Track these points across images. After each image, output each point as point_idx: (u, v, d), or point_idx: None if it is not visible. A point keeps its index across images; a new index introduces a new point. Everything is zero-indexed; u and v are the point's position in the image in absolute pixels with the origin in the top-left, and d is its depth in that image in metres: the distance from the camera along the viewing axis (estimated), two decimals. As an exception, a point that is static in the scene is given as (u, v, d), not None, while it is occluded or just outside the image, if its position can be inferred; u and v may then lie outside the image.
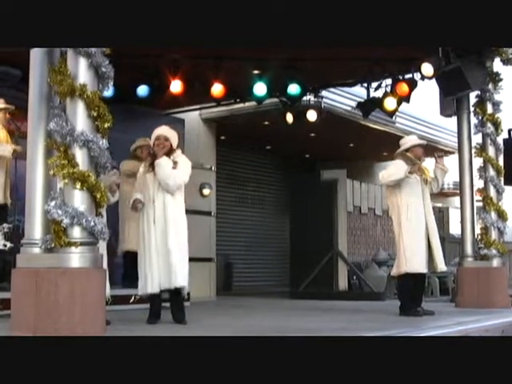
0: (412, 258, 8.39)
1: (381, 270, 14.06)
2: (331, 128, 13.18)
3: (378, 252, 15.04)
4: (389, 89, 10.54)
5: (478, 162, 10.17)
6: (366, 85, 11.01)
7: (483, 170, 10.06)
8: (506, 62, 9.79)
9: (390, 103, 10.58)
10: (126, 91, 10.16)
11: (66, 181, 4.94)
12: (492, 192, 9.99)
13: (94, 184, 4.97)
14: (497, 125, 10.08)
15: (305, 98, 11.54)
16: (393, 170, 8.58)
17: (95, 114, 5.03)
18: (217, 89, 10.55)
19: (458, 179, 10.50)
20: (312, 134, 14.41)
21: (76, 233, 4.92)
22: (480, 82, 9.55)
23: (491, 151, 10.06)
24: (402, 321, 7.85)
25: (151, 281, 7.15)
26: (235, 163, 16.66)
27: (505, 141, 10.19)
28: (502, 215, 9.97)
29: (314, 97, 11.91)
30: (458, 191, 10.69)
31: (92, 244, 4.99)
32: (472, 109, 10.20)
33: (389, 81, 10.55)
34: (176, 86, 10.33)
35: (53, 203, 4.93)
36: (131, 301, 8.96)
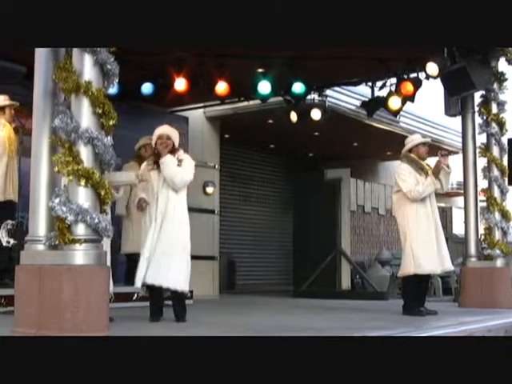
0: (421, 259, 8.37)
1: (384, 270, 14.08)
2: (335, 127, 13.16)
3: (381, 251, 15.07)
4: (393, 88, 10.54)
5: (482, 162, 10.16)
6: (370, 84, 11.01)
7: (487, 170, 10.04)
8: (511, 61, 9.77)
9: (394, 102, 10.57)
10: (131, 89, 10.16)
11: (71, 178, 4.93)
12: (496, 192, 9.98)
13: (98, 181, 4.96)
14: (501, 125, 10.07)
15: (309, 97, 11.54)
16: (410, 182, 8.46)
17: (100, 111, 5.02)
18: (221, 87, 10.55)
19: (461, 179, 10.49)
20: (316, 133, 14.40)
21: (80, 230, 4.91)
22: (485, 81, 9.53)
23: (496, 151, 10.05)
24: (405, 320, 7.84)
25: (139, 275, 7.15)
26: (239, 161, 16.66)
27: (509, 141, 10.18)
28: (505, 215, 9.96)
29: (319, 95, 11.91)
30: (461, 191, 10.69)
31: (96, 241, 4.98)
32: (477, 108, 10.19)
33: (393, 80, 10.54)
34: (180, 84, 10.33)
35: (57, 200, 4.93)
36: (134, 298, 8.97)
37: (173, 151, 7.39)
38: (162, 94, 10.70)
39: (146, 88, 10.63)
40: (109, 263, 7.17)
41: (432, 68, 9.56)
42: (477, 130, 10.22)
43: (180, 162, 7.35)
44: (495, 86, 10.04)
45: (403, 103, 10.57)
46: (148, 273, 7.13)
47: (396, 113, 11.00)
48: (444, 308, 9.36)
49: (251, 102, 12.26)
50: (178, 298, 7.41)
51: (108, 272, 5.06)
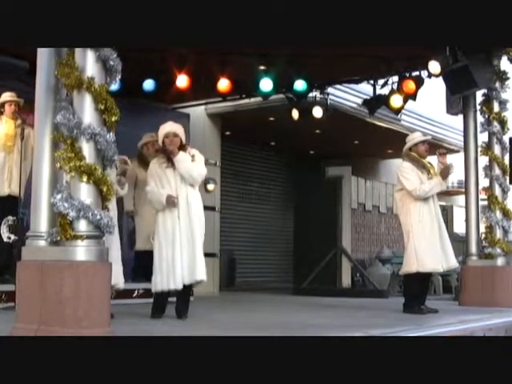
0: (424, 257, 8.37)
1: (384, 268, 14.07)
2: (336, 125, 13.16)
3: (381, 249, 15.05)
4: (395, 86, 10.52)
5: (483, 160, 10.16)
6: (372, 82, 11.01)
7: (489, 168, 10.05)
8: (513, 60, 9.79)
9: (396, 101, 10.56)
10: (132, 85, 10.15)
11: (73, 174, 4.92)
12: (497, 191, 9.99)
13: (100, 177, 4.95)
14: (503, 123, 10.07)
15: (311, 95, 11.53)
16: (415, 181, 8.46)
17: (102, 108, 5.01)
18: (223, 84, 10.55)
19: (462, 178, 10.49)
20: (317, 131, 14.40)
21: (82, 226, 4.91)
22: (487, 80, 9.54)
23: (497, 150, 10.06)
24: (406, 318, 7.84)
25: (173, 277, 7.14)
26: (240, 159, 16.64)
27: (511, 139, 10.17)
28: (507, 214, 9.96)
29: (320, 93, 11.89)
30: (462, 190, 10.69)
31: (98, 237, 4.97)
32: (478, 107, 10.19)
33: (395, 78, 10.52)
34: (182, 81, 10.33)
35: (59, 196, 4.92)
36: (135, 295, 8.97)
37: (182, 147, 7.40)
38: (163, 90, 10.69)
39: (148, 84, 10.62)
40: (119, 256, 7.24)
41: (434, 66, 9.54)
42: (478, 129, 10.22)
43: (193, 156, 7.39)
44: (497, 84, 10.05)
45: (405, 101, 10.55)
46: (185, 273, 7.14)
47: (398, 111, 10.99)
48: (444, 306, 9.36)
49: (252, 100, 12.25)
50: (186, 293, 7.42)
51: (110, 268, 5.05)
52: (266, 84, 10.62)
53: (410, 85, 10.24)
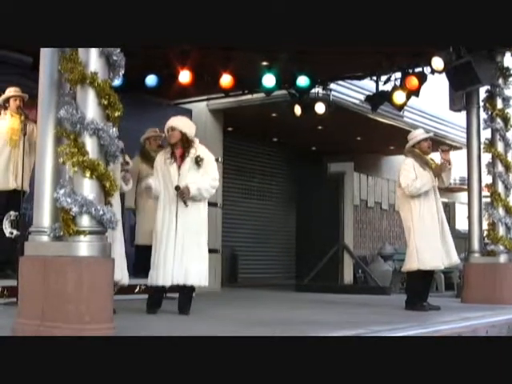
0: (425, 255, 8.36)
1: (386, 264, 14.07)
2: (339, 121, 13.13)
3: (383, 246, 15.05)
4: (398, 82, 10.49)
5: (486, 157, 10.14)
6: (375, 78, 10.98)
7: (492, 165, 10.03)
8: (516, 56, 9.77)
9: (399, 97, 10.53)
10: (134, 81, 10.13)
11: (76, 169, 4.91)
12: (500, 188, 9.97)
13: (103, 173, 4.94)
14: (506, 120, 10.05)
15: (313, 91, 11.50)
16: (410, 177, 8.44)
17: (106, 103, 5.00)
18: (225, 80, 10.53)
19: (464, 174, 10.48)
20: (319, 127, 14.37)
21: (85, 221, 4.89)
22: (490, 76, 9.52)
23: (500, 147, 10.04)
24: (408, 315, 7.84)
25: (163, 273, 7.14)
26: (242, 155, 16.63)
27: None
28: (509, 211, 9.95)
29: (323, 89, 11.86)
30: (465, 186, 10.68)
31: (101, 233, 4.96)
32: (481, 104, 10.18)
33: (398, 74, 10.49)
34: (185, 77, 10.31)
35: (62, 191, 4.91)
36: (136, 290, 8.96)
37: (187, 142, 7.35)
38: (166, 86, 10.68)
39: (150, 80, 10.61)
40: (123, 252, 7.24)
41: (437, 62, 9.51)
42: (481, 126, 10.21)
43: (201, 160, 7.31)
44: (500, 81, 10.03)
45: (408, 98, 10.52)
46: (175, 273, 7.13)
47: (400, 107, 10.96)
48: (447, 303, 9.37)
49: (255, 95, 12.22)
50: (188, 290, 7.42)
51: (112, 264, 5.04)
52: (269, 80, 10.59)
53: (412, 81, 10.21)
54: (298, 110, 11.57)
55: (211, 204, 13.44)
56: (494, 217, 9.92)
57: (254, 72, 10.52)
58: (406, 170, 8.52)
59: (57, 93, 5.33)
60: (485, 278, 9.72)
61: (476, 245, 10.05)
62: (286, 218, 17.41)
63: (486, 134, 10.21)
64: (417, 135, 8.79)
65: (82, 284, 4.79)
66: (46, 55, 5.44)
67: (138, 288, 8.92)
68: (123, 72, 5.26)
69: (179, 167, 7.30)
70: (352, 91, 13.07)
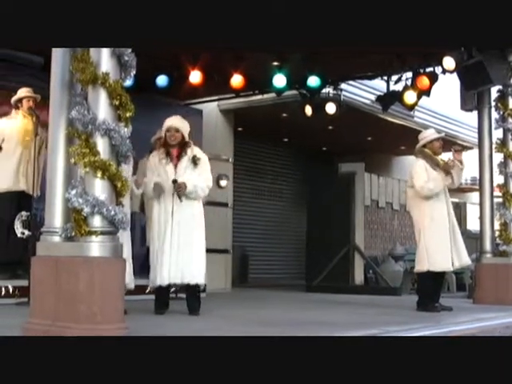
0: (435, 256, 8.34)
1: (397, 265, 14.02)
2: (350, 121, 13.11)
3: (394, 246, 15.01)
4: (409, 82, 10.45)
5: (498, 157, 10.10)
6: (385, 78, 10.95)
7: (503, 165, 10.00)
8: (528, 56, 9.70)
9: (409, 97, 10.48)
10: (145, 81, 10.13)
11: (87, 169, 4.91)
12: (512, 188, 9.93)
13: (114, 173, 4.94)
14: (518, 120, 10.01)
15: (324, 91, 11.49)
16: (422, 179, 8.41)
17: (117, 103, 5.00)
18: (236, 80, 10.52)
19: (475, 174, 10.44)
20: (330, 127, 14.36)
21: (96, 222, 4.89)
22: (502, 76, 9.48)
23: (512, 146, 10.01)
24: (420, 316, 7.82)
25: (160, 273, 7.16)
26: (252, 155, 16.63)
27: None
28: (522, 211, 9.91)
29: (334, 89, 11.85)
30: (476, 187, 10.64)
31: (112, 233, 4.96)
32: (493, 103, 10.14)
33: (409, 74, 10.45)
34: (195, 77, 10.31)
35: (73, 192, 4.91)
36: (147, 291, 8.95)
37: (183, 145, 7.38)
38: (176, 86, 10.68)
39: (161, 80, 10.61)
40: (130, 256, 7.24)
41: (449, 62, 9.48)
42: (493, 125, 10.17)
43: (198, 159, 7.34)
44: (512, 80, 9.98)
45: (419, 98, 10.49)
46: (171, 273, 7.13)
47: (411, 107, 10.93)
48: (458, 304, 9.33)
49: (265, 96, 12.23)
50: (195, 290, 7.43)
51: (124, 264, 5.04)
52: (280, 80, 10.58)
53: (424, 81, 10.17)
54: (308, 110, 11.55)
55: (222, 204, 13.58)
56: (505, 217, 9.88)
57: (264, 72, 10.51)
58: (419, 172, 8.50)
59: (68, 93, 5.33)
60: (497, 278, 9.69)
61: (488, 245, 10.01)
62: (296, 219, 17.39)
63: (497, 133, 10.17)
64: (428, 135, 8.77)
65: (94, 284, 4.79)
66: (58, 56, 5.44)
67: (148, 288, 8.90)
68: (134, 72, 5.26)
69: (175, 166, 7.32)
70: (363, 91, 13.05)
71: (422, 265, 8.44)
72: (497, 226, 10.07)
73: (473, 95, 10.03)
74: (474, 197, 16.48)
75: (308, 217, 14.76)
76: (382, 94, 11.20)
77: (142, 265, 9.47)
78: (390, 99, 10.93)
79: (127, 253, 7.11)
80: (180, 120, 7.49)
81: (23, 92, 8.74)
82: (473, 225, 15.72)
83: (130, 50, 5.13)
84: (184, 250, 7.18)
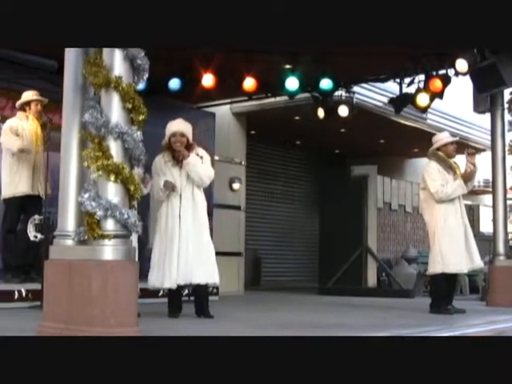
0: (449, 258, 8.32)
1: (410, 267, 13.98)
2: (362, 124, 13.10)
3: (407, 249, 14.96)
4: (422, 85, 10.42)
5: (511, 159, 10.08)
6: (398, 80, 10.92)
7: (516, 167, 9.99)
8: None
9: (422, 99, 10.45)
10: (157, 84, 10.14)
11: (100, 173, 4.92)
12: (525, 190, 9.92)
13: (127, 176, 4.95)
14: (531, 122, 10.00)
15: (336, 93, 11.48)
16: (437, 182, 8.40)
17: (130, 106, 5.01)
18: (249, 83, 10.52)
19: (488, 177, 10.42)
20: (343, 130, 14.36)
21: (109, 225, 4.90)
22: (515, 78, 9.45)
23: (525, 149, 9.99)
24: (434, 318, 7.80)
25: (169, 275, 7.15)
26: (265, 158, 16.64)
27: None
28: (535, 213, 9.89)
29: (346, 92, 11.84)
30: (489, 189, 10.62)
31: (125, 236, 4.97)
32: (506, 105, 10.13)
33: (422, 76, 10.41)
34: (208, 80, 10.32)
35: (86, 195, 4.92)
36: (160, 294, 8.96)
37: (188, 147, 7.39)
38: (189, 89, 10.69)
39: (174, 83, 10.63)
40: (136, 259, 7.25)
41: (461, 64, 9.45)
42: (506, 127, 10.18)
43: (201, 157, 7.40)
44: (525, 82, 9.94)
45: (431, 100, 10.44)
46: (180, 273, 7.14)
47: (424, 110, 10.90)
48: (472, 307, 9.31)
49: (278, 99, 12.25)
50: (201, 293, 7.43)
51: (137, 268, 5.04)
52: (292, 83, 10.58)
53: (436, 83, 10.13)
54: (321, 112, 11.54)
55: (234, 207, 13.59)
56: (519, 219, 9.88)
57: (277, 75, 10.50)
58: (433, 174, 8.48)
59: (81, 97, 5.35)
60: (510, 280, 9.67)
61: (501, 247, 9.99)
62: (309, 221, 17.39)
63: (510, 135, 10.15)
64: (442, 138, 8.74)
65: (107, 288, 4.79)
66: (71, 59, 5.45)
67: (162, 291, 8.91)
68: (147, 76, 5.27)
69: (181, 168, 7.34)
70: (375, 94, 13.04)
71: (436, 267, 8.43)
72: (510, 229, 10.06)
73: (486, 97, 10.02)
74: (487, 199, 16.42)
75: (320, 219, 14.76)
76: (394, 96, 11.17)
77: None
78: (402, 102, 10.90)
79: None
80: (184, 123, 7.49)
81: (31, 95, 8.73)
82: (486, 227, 15.66)
83: (143, 54, 5.14)
84: (193, 250, 7.18)
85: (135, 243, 7.27)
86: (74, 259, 4.99)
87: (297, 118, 13.73)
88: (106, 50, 5.12)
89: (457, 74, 9.76)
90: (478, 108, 10.43)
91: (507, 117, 10.14)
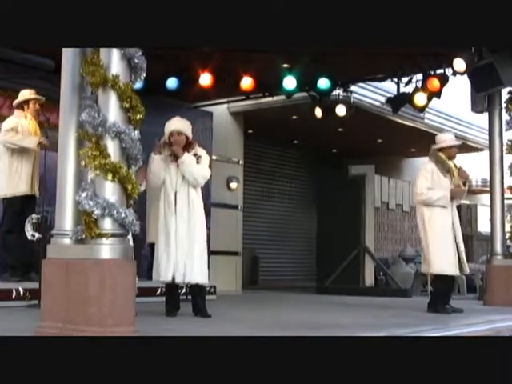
0: (437, 260, 8.31)
1: (408, 267, 13.99)
2: (360, 123, 13.11)
3: (405, 248, 14.97)
4: (419, 84, 10.43)
5: (508, 159, 10.10)
6: (396, 80, 10.93)
7: (514, 167, 9.99)
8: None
9: (420, 99, 10.45)
10: (155, 83, 10.15)
11: (98, 172, 4.91)
12: (523, 190, 9.93)
13: (125, 175, 4.94)
14: (529, 122, 10.00)
15: (334, 93, 11.48)
16: (424, 184, 8.40)
17: (127, 106, 5.00)
18: (246, 82, 10.53)
19: (486, 176, 10.43)
20: (340, 129, 14.36)
21: (107, 224, 4.89)
22: (513, 78, 9.46)
23: (523, 148, 10.00)
24: (431, 318, 7.81)
25: (165, 269, 7.17)
26: (262, 157, 16.64)
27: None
28: (532, 213, 9.90)
29: (344, 91, 11.85)
30: (486, 188, 10.63)
31: (123, 235, 4.96)
32: (504, 105, 10.13)
33: (420, 76, 10.43)
34: (205, 79, 10.33)
35: (84, 194, 4.91)
36: (158, 293, 8.97)
37: (187, 145, 7.38)
38: (186, 88, 10.70)
39: (171, 83, 10.64)
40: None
41: (459, 64, 9.46)
42: (504, 127, 10.17)
43: (199, 157, 7.36)
44: (523, 82, 9.95)
45: (429, 99, 10.45)
46: (174, 272, 7.15)
47: (422, 109, 10.91)
48: (469, 306, 9.31)
49: (275, 98, 12.25)
50: (201, 292, 7.45)
51: (134, 267, 5.04)
52: (290, 82, 10.59)
53: (434, 83, 10.14)
54: (318, 112, 11.55)
55: (232, 206, 13.59)
56: (516, 219, 9.88)
57: (274, 74, 10.51)
58: (424, 176, 8.47)
59: (78, 96, 5.33)
60: (507, 280, 9.68)
61: (499, 247, 10.00)
62: (306, 221, 17.39)
63: (508, 135, 10.16)
64: (447, 140, 8.68)
65: (105, 287, 4.79)
66: (68, 58, 5.45)
67: (159, 290, 8.93)
68: (145, 75, 5.26)
69: (178, 166, 7.33)
70: (373, 93, 13.06)
71: (428, 266, 8.44)
72: (507, 228, 10.07)
73: (483, 97, 10.02)
74: (485, 199, 16.43)
75: (318, 219, 14.78)
76: (392, 95, 11.18)
77: (150, 266, 9.52)
78: (400, 101, 10.91)
79: None
80: (181, 122, 7.46)
81: (29, 94, 8.70)
82: (483, 227, 15.67)
83: (140, 53, 5.13)
84: (186, 249, 7.19)
85: (131, 242, 7.33)
86: (71, 258, 4.99)
87: (294, 117, 13.74)
88: (103, 50, 5.10)
89: (454, 73, 9.77)
90: (476, 107, 10.43)
91: (505, 116, 10.14)
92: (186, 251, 7.18)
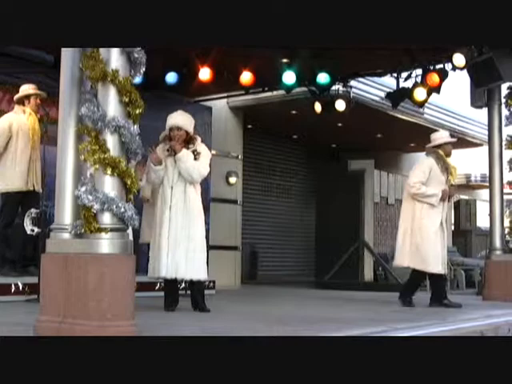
0: (432, 258, 8.36)
1: (407, 262, 13.98)
2: (359, 118, 13.10)
3: (404, 243, 14.97)
4: (419, 79, 10.43)
5: (508, 154, 10.10)
6: (395, 75, 10.92)
7: (513, 162, 9.99)
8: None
9: (419, 94, 10.45)
10: (154, 78, 10.14)
11: (97, 166, 4.90)
12: (522, 185, 9.93)
13: (124, 170, 4.93)
14: (528, 117, 9.99)
15: (333, 88, 11.48)
16: (419, 177, 8.43)
17: (127, 100, 4.99)
18: (246, 77, 10.53)
19: (485, 171, 10.44)
20: (340, 124, 14.36)
21: (106, 219, 4.89)
22: (512, 73, 9.45)
23: (522, 143, 9.99)
24: (430, 313, 7.81)
25: (159, 264, 7.15)
26: (262, 152, 16.64)
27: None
28: (531, 208, 9.90)
29: (343, 86, 11.85)
30: (485, 183, 10.64)
31: (122, 230, 4.96)
32: (503, 100, 10.13)
33: (419, 71, 10.42)
34: (205, 74, 10.32)
35: (83, 188, 4.91)
36: (157, 287, 8.98)
37: (188, 140, 7.34)
38: (186, 83, 10.69)
39: (171, 77, 10.64)
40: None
41: (458, 59, 9.46)
42: (503, 122, 10.17)
43: (198, 154, 7.30)
44: (522, 77, 9.94)
45: (429, 94, 10.45)
46: (169, 267, 7.13)
47: (421, 104, 10.90)
48: (468, 301, 9.32)
49: (275, 93, 12.24)
50: (199, 287, 7.44)
51: (134, 261, 5.04)
52: (289, 77, 10.58)
53: (433, 78, 10.14)
54: (318, 107, 11.56)
55: (231, 201, 13.59)
56: (515, 214, 9.89)
57: (274, 69, 10.51)
58: (421, 170, 8.50)
59: (78, 90, 5.32)
60: (506, 275, 9.68)
61: (498, 242, 10.01)
62: (305, 216, 17.39)
63: (507, 130, 10.16)
64: (443, 137, 8.71)
65: (104, 281, 4.78)
66: (68, 53, 5.43)
67: (158, 285, 8.93)
68: (144, 69, 5.25)
69: (175, 160, 7.30)
70: (372, 88, 13.05)
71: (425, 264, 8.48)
72: (507, 223, 10.08)
73: (483, 92, 10.02)
74: (484, 194, 16.45)
75: (317, 214, 14.80)
76: (391, 90, 11.17)
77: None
78: (399, 96, 10.91)
79: None
80: (182, 117, 7.40)
81: (31, 89, 8.67)
82: (483, 222, 15.69)
83: (139, 48, 5.13)
84: (181, 245, 7.16)
85: (131, 237, 7.32)
86: (70, 253, 4.98)
87: (294, 112, 13.73)
88: (102, 44, 5.10)
89: (454, 68, 9.77)
90: (476, 103, 10.43)
91: (504, 111, 10.13)
92: (182, 247, 7.15)
